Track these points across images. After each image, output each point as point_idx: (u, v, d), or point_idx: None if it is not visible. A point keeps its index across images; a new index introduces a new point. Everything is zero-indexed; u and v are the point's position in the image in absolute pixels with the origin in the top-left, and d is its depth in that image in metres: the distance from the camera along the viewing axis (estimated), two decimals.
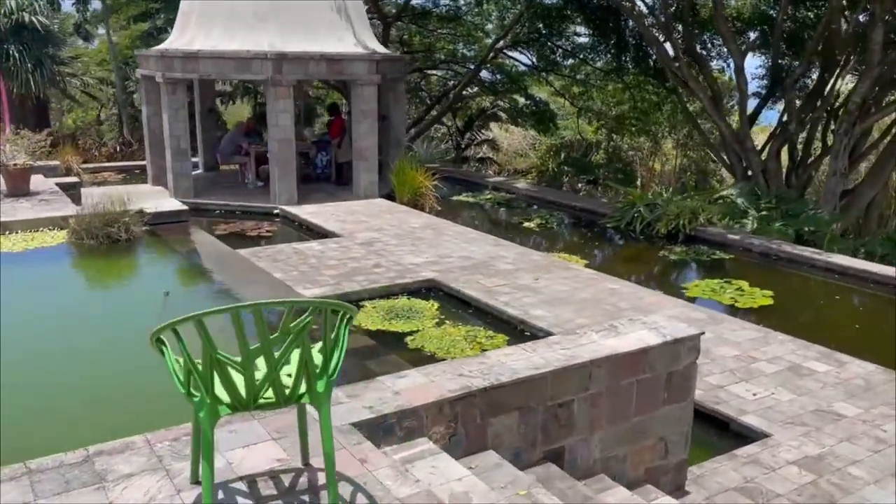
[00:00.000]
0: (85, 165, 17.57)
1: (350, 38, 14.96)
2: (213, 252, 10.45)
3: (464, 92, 31.06)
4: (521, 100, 30.23)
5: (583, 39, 26.98)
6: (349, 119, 16.18)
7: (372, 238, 12.12)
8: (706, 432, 6.51)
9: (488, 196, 16.36)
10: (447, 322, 8.87)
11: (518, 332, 8.62)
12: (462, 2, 28.58)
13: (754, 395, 6.84)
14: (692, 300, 9.87)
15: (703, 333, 4.89)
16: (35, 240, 7.29)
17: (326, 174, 16.78)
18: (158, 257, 7.13)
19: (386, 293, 9.71)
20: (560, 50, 27.23)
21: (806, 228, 13.34)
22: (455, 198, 16.91)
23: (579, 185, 25.53)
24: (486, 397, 3.93)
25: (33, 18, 20.74)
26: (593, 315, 8.75)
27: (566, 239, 13.57)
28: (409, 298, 9.62)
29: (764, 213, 13.95)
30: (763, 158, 16.56)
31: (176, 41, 14.99)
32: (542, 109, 29.63)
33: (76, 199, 11.53)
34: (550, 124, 30.03)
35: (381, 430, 3.58)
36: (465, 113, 32.36)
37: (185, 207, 7.99)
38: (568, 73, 28.50)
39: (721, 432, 6.50)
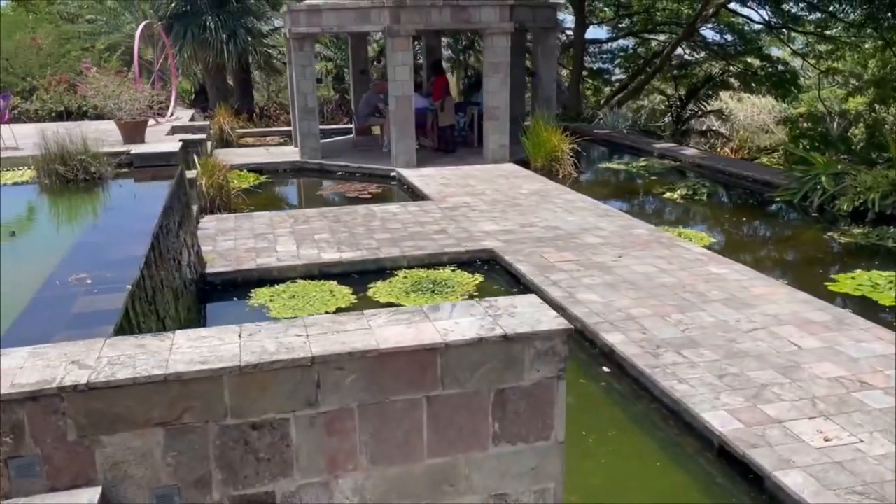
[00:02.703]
0: (243, 130, 17.86)
1: None
2: None
3: (689, 57, 27.80)
4: (756, 62, 26.25)
5: None
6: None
7: (462, 203, 10.59)
8: (730, 488, 4.29)
9: (643, 163, 13.93)
10: (476, 299, 7.15)
11: None
12: None
13: (826, 440, 4.41)
14: (832, 296, 7.14)
15: (570, 330, 2.87)
16: (9, 177, 6.88)
17: (464, 136, 15.39)
18: (87, 198, 6.32)
19: (431, 262, 8.21)
20: (802, 2, 22.97)
21: None
22: (605, 164, 14.67)
23: None
24: (86, 401, 2.41)
25: None
26: (660, 305, 6.55)
27: (707, 212, 10.92)
28: (453, 270, 8.05)
29: None
30: None
31: None
32: (780, 71, 25.45)
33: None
34: (791, 87, 25.77)
35: None
36: (688, 81, 28.65)
37: (175, 149, 7.09)
38: (813, 28, 24.05)
39: (752, 490, 4.23)
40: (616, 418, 5.38)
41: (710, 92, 28.15)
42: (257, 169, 14.02)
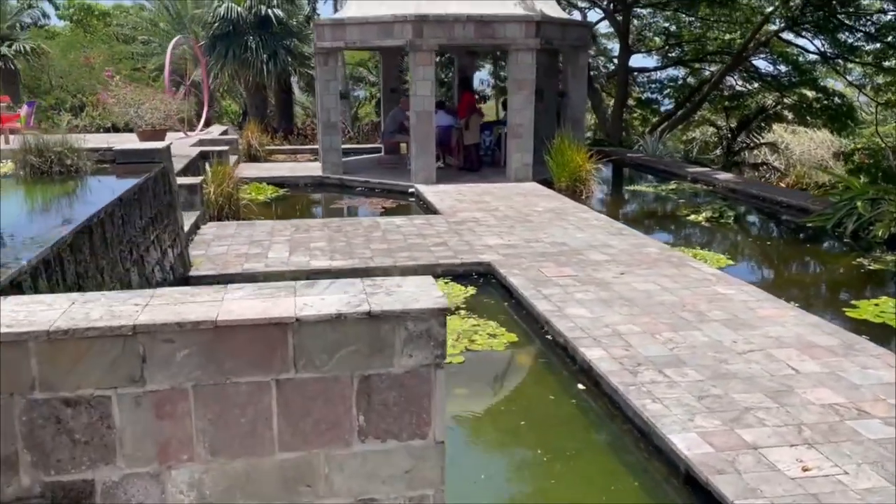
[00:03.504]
0: (274, 147, 17.89)
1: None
2: None
3: (741, 87, 27.04)
4: (810, 94, 25.33)
5: (890, 17, 21.69)
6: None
7: (471, 217, 10.24)
8: None
9: (673, 186, 13.37)
10: (462, 311, 6.80)
11: (541, 331, 6.27)
12: None
13: (804, 469, 3.88)
14: (849, 322, 6.54)
15: (448, 310, 2.48)
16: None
17: (490, 155, 15.06)
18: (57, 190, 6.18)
19: (425, 273, 7.83)
20: (859, 32, 22.13)
21: None
22: (633, 186, 14.16)
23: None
24: None
25: (269, 11, 21.87)
26: (652, 322, 6.06)
27: (731, 235, 10.32)
28: (446, 282, 7.69)
29: None
30: None
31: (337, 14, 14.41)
32: (837, 104, 24.48)
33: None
34: (847, 121, 24.77)
35: None
36: (740, 112, 27.74)
37: (161, 146, 6.93)
38: (870, 60, 23.12)
39: None
40: (588, 439, 4.91)
41: (762, 124, 27.20)
42: (278, 183, 13.93)
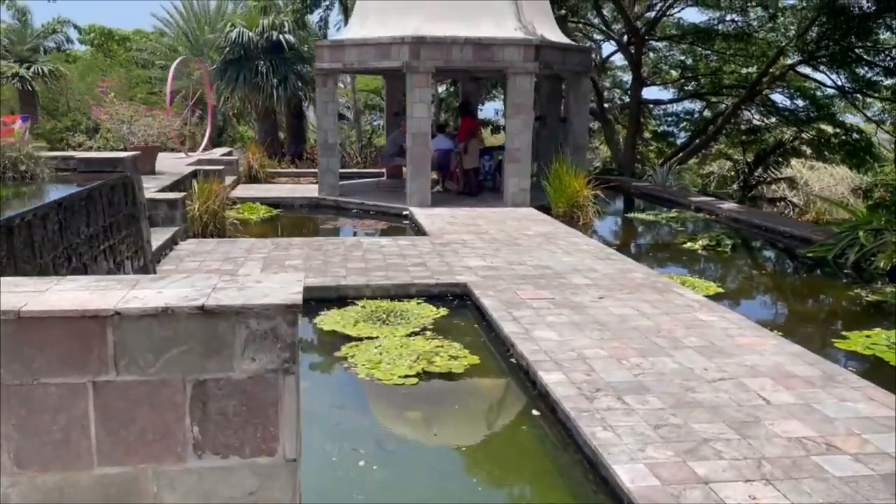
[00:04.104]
0: (278, 169, 17.80)
1: (511, 23, 12.96)
2: None
3: (758, 122, 26.63)
4: (829, 129, 24.86)
5: None
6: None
7: (458, 240, 9.95)
8: None
9: (674, 214, 12.99)
10: (428, 332, 6.48)
11: (507, 354, 5.93)
12: (752, 16, 24.09)
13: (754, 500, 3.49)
14: (835, 353, 6.13)
15: (297, 307, 2.18)
16: None
17: (491, 180, 14.81)
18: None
19: (398, 293, 7.58)
20: (878, 67, 21.73)
21: None
22: (633, 214, 13.81)
23: None
24: None
25: (280, 37, 21.96)
26: (621, 347, 5.70)
27: (727, 263, 9.90)
28: (419, 302, 7.38)
29: None
30: None
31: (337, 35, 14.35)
32: (855, 139, 23.99)
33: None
34: (866, 157, 24.26)
35: None
36: (757, 146, 27.26)
37: (126, 156, 6.74)
38: (889, 95, 22.70)
39: None
40: (537, 469, 4.55)
41: (779, 159, 26.68)
42: (273, 203, 13.78)
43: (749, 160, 26.81)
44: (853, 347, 6.26)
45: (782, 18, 22.65)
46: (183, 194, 9.74)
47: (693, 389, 4.90)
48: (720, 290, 8.15)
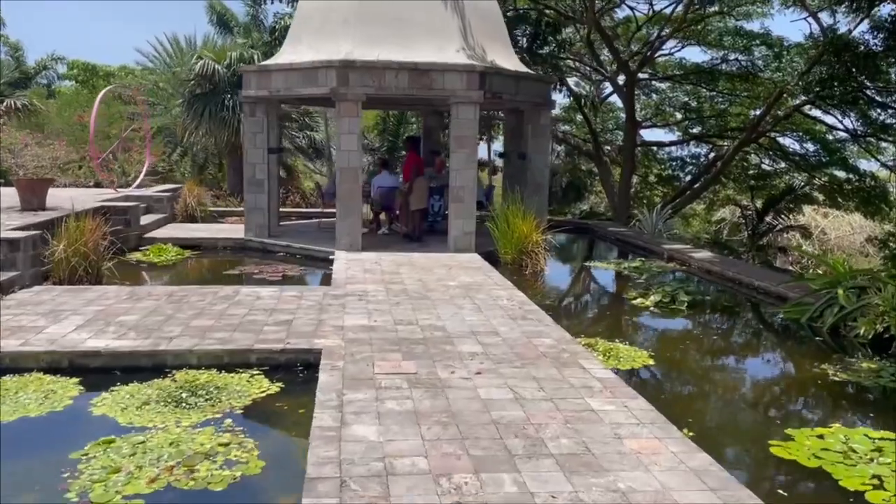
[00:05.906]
0: (222, 208, 16.44)
1: (453, 46, 11.56)
2: None
3: (767, 166, 24.96)
4: (842, 174, 23.17)
5: None
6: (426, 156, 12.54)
7: (359, 290, 8.41)
8: None
9: (636, 264, 11.31)
10: (229, 421, 4.90)
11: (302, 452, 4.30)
12: (757, 54, 22.60)
13: None
14: (765, 466, 4.44)
15: None
16: None
17: (441, 223, 13.28)
18: None
19: (232, 361, 6.05)
20: (892, 109, 20.10)
21: None
22: (593, 263, 12.16)
23: None
24: None
25: None
26: (453, 454, 4.09)
27: (674, 325, 8.18)
28: (252, 375, 5.83)
29: None
30: None
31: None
32: (869, 186, 22.28)
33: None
34: (881, 204, 22.52)
35: None
36: (766, 192, 25.51)
37: None
38: None
39: None
40: None
41: (791, 205, 24.85)
42: (193, 245, 12.35)
43: (758, 206, 25.07)
44: (794, 455, 4.55)
45: (787, 57, 21.11)
46: (30, 234, 8.30)
47: None
48: (650, 360, 6.48)
